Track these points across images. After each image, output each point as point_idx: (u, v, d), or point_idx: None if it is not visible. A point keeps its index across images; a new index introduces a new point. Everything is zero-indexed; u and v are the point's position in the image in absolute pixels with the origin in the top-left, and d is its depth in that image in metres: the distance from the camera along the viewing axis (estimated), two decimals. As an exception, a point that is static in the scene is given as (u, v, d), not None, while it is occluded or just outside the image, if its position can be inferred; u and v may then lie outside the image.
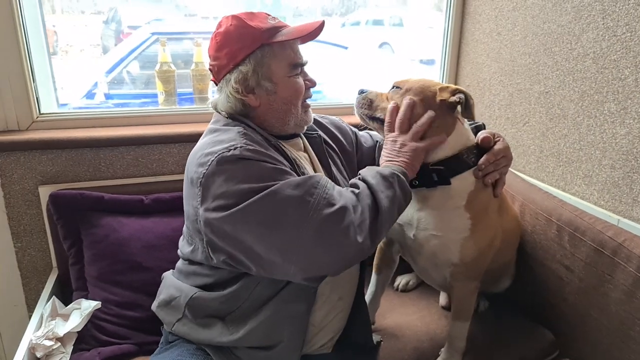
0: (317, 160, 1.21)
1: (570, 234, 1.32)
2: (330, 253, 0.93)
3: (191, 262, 1.13)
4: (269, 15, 1.09)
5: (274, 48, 1.05)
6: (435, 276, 1.29)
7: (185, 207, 1.09)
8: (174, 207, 1.48)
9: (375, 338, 1.32)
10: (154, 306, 1.21)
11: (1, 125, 1.48)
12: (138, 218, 1.46)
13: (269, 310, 1.05)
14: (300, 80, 1.11)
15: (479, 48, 1.81)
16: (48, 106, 1.57)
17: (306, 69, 1.15)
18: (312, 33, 1.07)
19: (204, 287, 1.10)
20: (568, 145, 1.46)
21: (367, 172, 1.04)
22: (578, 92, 1.41)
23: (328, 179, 1.03)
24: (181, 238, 1.20)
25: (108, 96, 2.31)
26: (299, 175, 1.03)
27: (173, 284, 1.17)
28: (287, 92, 1.09)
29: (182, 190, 1.12)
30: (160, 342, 1.20)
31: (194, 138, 1.55)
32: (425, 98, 1.12)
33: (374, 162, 1.37)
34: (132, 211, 1.47)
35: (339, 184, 1.15)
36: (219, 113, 1.14)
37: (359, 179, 1.04)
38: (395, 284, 1.63)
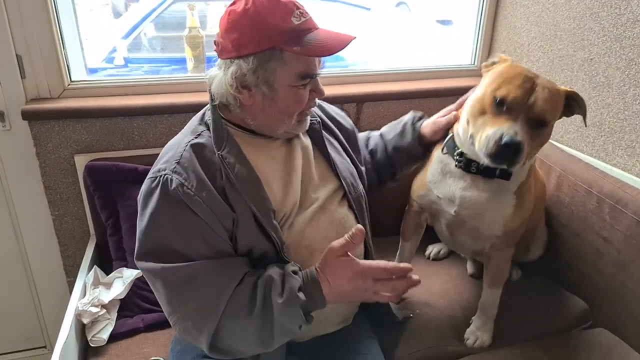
0: (307, 156, 1.10)
1: (611, 206, 1.31)
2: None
3: None
4: (298, 8, 0.95)
5: (286, 54, 0.93)
6: (474, 247, 1.30)
7: None
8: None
9: (404, 313, 1.33)
10: None
11: (33, 92, 1.47)
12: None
13: None
14: (305, 92, 0.98)
15: (518, 11, 1.74)
16: (77, 72, 1.55)
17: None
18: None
19: None
20: (612, 115, 1.42)
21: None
22: (625, 59, 1.36)
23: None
24: None
25: (127, 60, 2.27)
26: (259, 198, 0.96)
27: None
28: (285, 102, 0.97)
29: None
30: None
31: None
32: None
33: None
34: (167, 181, 1.47)
35: (339, 170, 1.11)
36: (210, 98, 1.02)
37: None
38: (427, 252, 1.64)
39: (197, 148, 0.96)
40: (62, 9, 1.45)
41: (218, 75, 0.98)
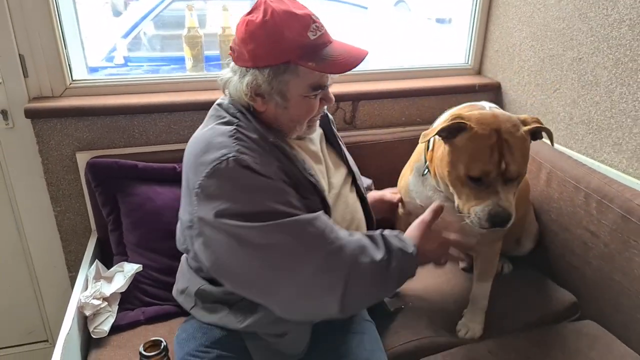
0: (323, 148, 1.18)
1: (597, 201, 1.35)
2: (305, 311, 0.96)
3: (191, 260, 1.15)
4: (314, 22, 0.98)
5: (301, 68, 0.97)
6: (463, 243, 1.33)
7: (181, 211, 1.09)
8: (207, 174, 1.51)
9: (396, 304, 1.36)
10: (173, 291, 1.25)
11: (35, 91, 1.50)
12: (172, 187, 1.49)
13: None
14: (316, 101, 1.04)
15: (510, 11, 1.78)
16: (79, 71, 1.58)
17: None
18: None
19: (209, 280, 1.12)
20: (599, 113, 1.46)
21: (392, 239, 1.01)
22: (612, 59, 1.40)
23: (327, 217, 0.99)
24: (177, 236, 1.19)
25: (127, 59, 2.30)
26: (305, 178, 1.02)
27: (185, 274, 1.19)
28: (297, 111, 1.03)
29: None
30: None
31: (225, 105, 1.59)
32: None
33: None
34: (166, 179, 1.50)
35: (348, 158, 1.17)
36: (224, 98, 1.09)
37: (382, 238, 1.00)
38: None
39: (243, 132, 1.00)
40: (63, 8, 1.48)
41: (233, 79, 1.03)
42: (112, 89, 1.58)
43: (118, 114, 1.52)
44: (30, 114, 1.44)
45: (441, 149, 1.09)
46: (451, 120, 1.03)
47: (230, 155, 0.94)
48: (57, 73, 1.50)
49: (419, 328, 1.32)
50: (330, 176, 1.16)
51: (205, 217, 0.94)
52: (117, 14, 2.75)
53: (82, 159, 1.49)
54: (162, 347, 0.69)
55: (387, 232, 1.02)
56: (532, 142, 1.08)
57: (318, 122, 1.13)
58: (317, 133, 1.17)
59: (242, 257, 0.93)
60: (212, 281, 1.11)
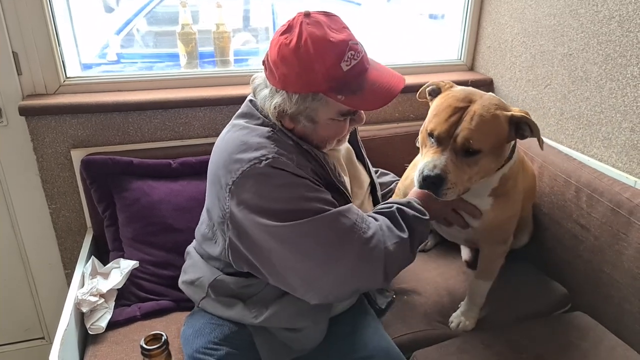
0: (349, 156, 1.21)
1: (588, 195, 1.37)
2: (353, 290, 1.01)
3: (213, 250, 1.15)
4: (351, 49, 0.94)
5: (329, 99, 0.97)
6: (465, 236, 1.35)
7: (210, 206, 1.09)
8: (201, 170, 1.50)
9: (387, 297, 1.34)
10: (180, 282, 1.26)
11: (29, 89, 1.50)
12: (167, 181, 1.51)
13: (292, 297, 1.03)
14: (346, 123, 1.04)
15: (502, 8, 1.80)
16: (72, 68, 1.58)
17: None
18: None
19: (225, 271, 1.13)
20: (589, 108, 1.49)
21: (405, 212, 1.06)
22: (602, 55, 1.42)
23: (357, 208, 1.02)
24: (200, 225, 1.20)
25: (120, 56, 2.30)
26: (335, 182, 1.05)
27: (197, 264, 1.19)
28: (325, 133, 1.04)
29: (208, 155, 1.14)
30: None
31: (218, 102, 1.59)
32: None
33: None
34: (161, 175, 1.51)
35: (371, 169, 1.20)
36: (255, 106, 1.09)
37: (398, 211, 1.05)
38: (415, 243, 1.70)
39: (279, 136, 1.02)
40: (56, 5, 1.48)
41: (264, 91, 1.03)
42: (106, 86, 1.58)
43: (112, 111, 1.52)
44: (24, 111, 1.44)
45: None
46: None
47: (270, 156, 0.96)
48: (51, 70, 1.50)
49: (414, 321, 1.34)
50: (356, 186, 1.18)
51: (239, 214, 0.96)
52: (109, 9, 2.74)
53: (77, 156, 1.50)
54: (162, 340, 0.70)
55: (400, 204, 1.07)
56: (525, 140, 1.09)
57: (347, 137, 1.14)
58: (344, 146, 1.19)
59: (280, 253, 0.95)
60: (227, 271, 1.12)
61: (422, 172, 1.03)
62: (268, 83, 1.03)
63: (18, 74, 1.46)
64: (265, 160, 0.95)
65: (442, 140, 1.03)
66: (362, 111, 1.06)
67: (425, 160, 1.04)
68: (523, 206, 1.34)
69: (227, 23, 1.74)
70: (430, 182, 1.01)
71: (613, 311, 1.33)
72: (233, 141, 1.03)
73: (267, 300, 1.08)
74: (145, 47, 2.48)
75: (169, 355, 0.71)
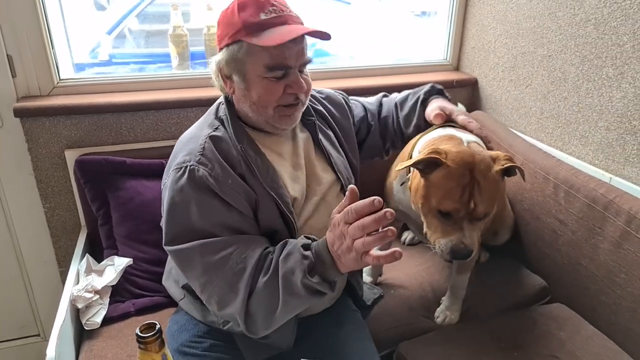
0: (308, 151, 1.17)
1: (565, 191, 1.42)
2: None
3: None
4: (273, 5, 0.99)
5: (251, 46, 0.98)
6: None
7: None
8: (194, 169, 1.55)
9: (375, 294, 1.41)
10: (163, 280, 1.29)
11: (23, 91, 1.53)
12: (160, 181, 1.53)
13: None
14: (276, 85, 1.01)
15: (485, 10, 1.85)
16: (65, 70, 1.61)
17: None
18: (306, 35, 1.00)
19: None
20: (567, 108, 1.54)
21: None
22: (579, 56, 1.47)
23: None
24: None
25: (112, 56, 2.31)
26: (266, 189, 1.02)
27: (175, 267, 1.20)
28: (256, 93, 1.01)
29: None
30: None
31: (209, 102, 1.60)
32: None
33: (368, 133, 1.36)
34: (154, 174, 1.53)
35: (335, 165, 1.16)
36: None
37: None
38: (402, 238, 1.75)
39: (216, 140, 1.02)
40: (49, 8, 1.51)
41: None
42: (99, 88, 1.61)
43: (105, 112, 1.55)
44: (19, 113, 1.47)
45: (417, 179, 1.13)
46: (429, 153, 1.06)
47: (189, 164, 0.98)
48: (45, 72, 1.53)
49: (400, 315, 1.39)
50: (315, 183, 1.14)
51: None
52: (100, 8, 2.75)
53: (71, 156, 1.53)
54: (156, 329, 0.74)
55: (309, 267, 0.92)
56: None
57: (295, 115, 1.07)
58: (302, 138, 1.16)
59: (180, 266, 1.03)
60: None
61: (452, 250, 1.06)
62: None
63: (12, 77, 1.49)
64: (185, 168, 0.98)
65: (459, 217, 1.07)
66: (296, 75, 1.02)
67: (447, 238, 1.07)
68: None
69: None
70: (462, 254, 1.07)
71: (590, 302, 1.39)
72: (183, 138, 1.09)
73: None
74: (137, 47, 2.50)
75: (162, 343, 0.76)
